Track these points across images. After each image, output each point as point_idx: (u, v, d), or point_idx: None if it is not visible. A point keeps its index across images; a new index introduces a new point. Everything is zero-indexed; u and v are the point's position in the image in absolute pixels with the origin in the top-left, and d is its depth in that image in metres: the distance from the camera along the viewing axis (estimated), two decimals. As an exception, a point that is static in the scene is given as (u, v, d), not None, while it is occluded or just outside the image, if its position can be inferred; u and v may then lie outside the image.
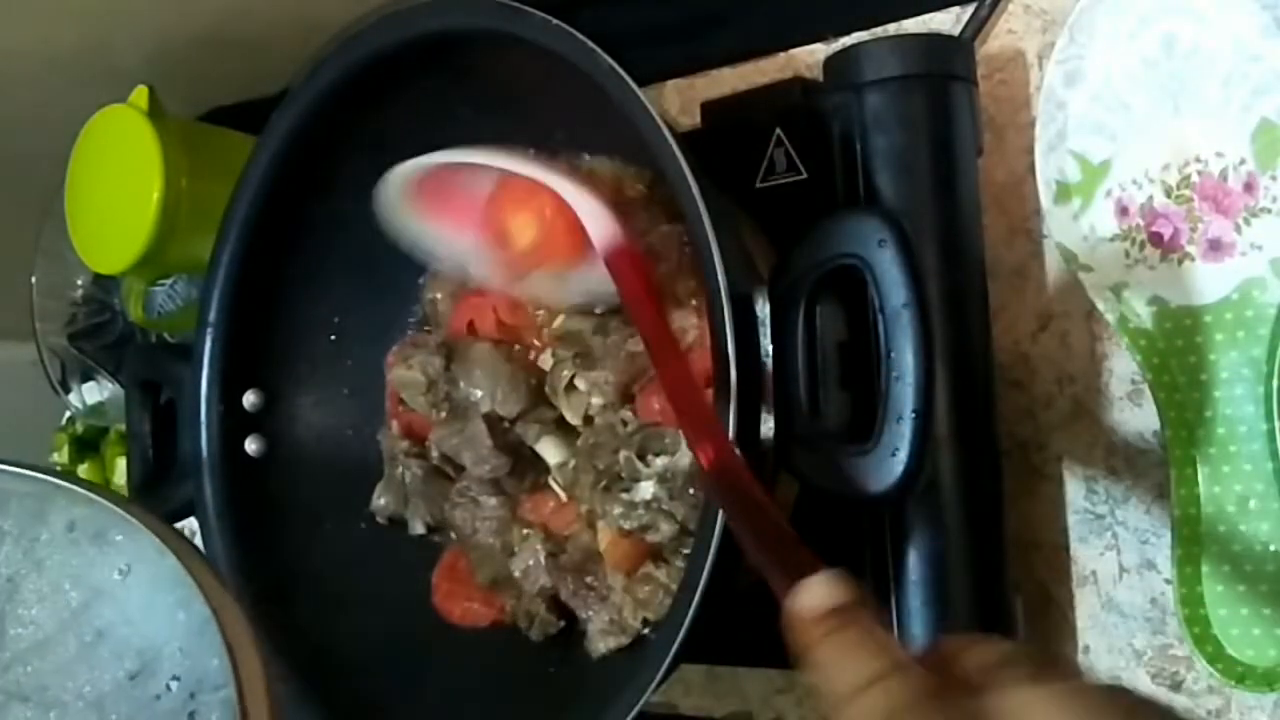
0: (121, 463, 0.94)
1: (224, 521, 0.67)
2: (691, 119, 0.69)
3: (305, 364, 0.71)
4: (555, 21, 0.54)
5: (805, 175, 0.60)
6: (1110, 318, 0.58)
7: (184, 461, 0.69)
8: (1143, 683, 0.59)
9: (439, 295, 0.71)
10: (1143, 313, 0.58)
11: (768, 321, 0.53)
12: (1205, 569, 0.56)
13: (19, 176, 0.84)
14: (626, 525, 0.59)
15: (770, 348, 0.53)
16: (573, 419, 0.64)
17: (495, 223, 0.58)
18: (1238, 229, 0.56)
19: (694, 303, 0.59)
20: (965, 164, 0.58)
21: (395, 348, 0.71)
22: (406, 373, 0.68)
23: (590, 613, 0.63)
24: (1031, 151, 0.60)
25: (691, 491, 0.58)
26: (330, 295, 0.71)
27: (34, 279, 0.91)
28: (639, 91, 0.52)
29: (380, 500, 0.70)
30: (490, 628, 0.67)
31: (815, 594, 0.38)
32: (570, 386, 0.63)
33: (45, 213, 0.88)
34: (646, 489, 0.59)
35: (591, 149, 0.64)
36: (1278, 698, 0.56)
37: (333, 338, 0.72)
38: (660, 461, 0.58)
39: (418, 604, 0.69)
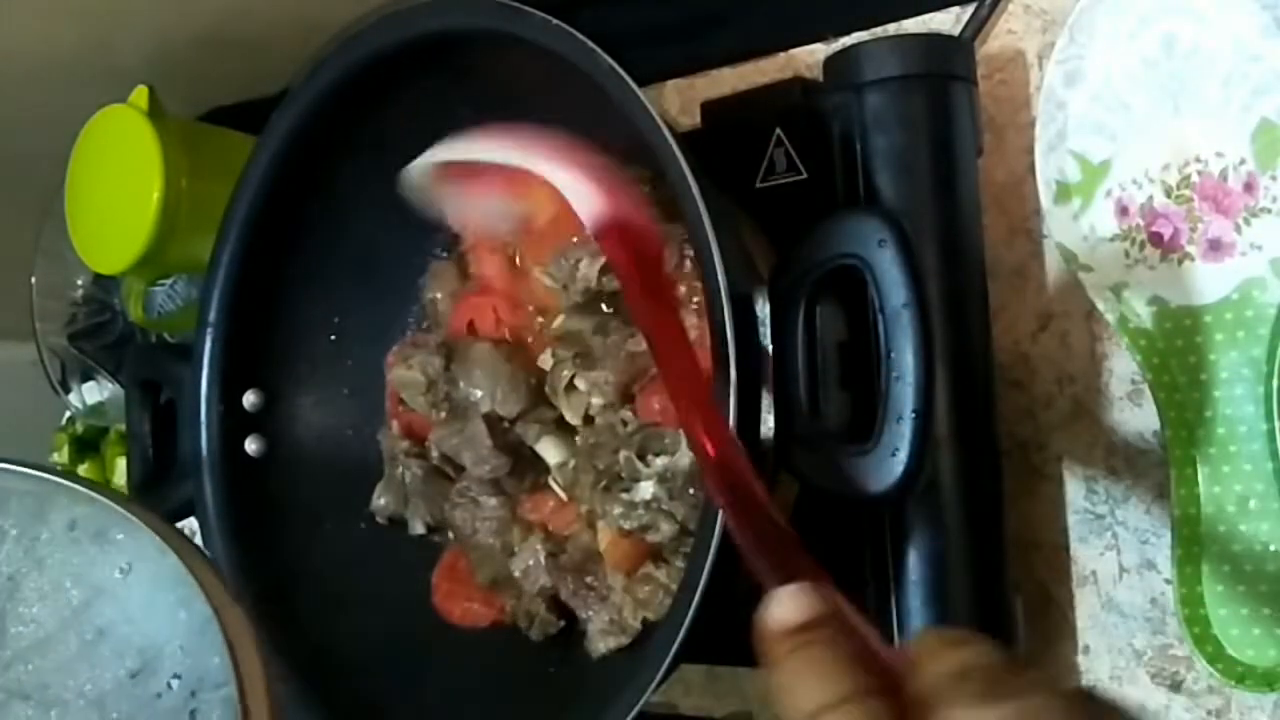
0: (121, 463, 0.94)
1: (224, 521, 0.67)
2: (691, 119, 0.69)
3: (305, 364, 0.71)
4: (555, 21, 0.54)
5: (805, 175, 0.60)
6: (1110, 318, 0.58)
7: (184, 461, 0.69)
8: (1143, 683, 0.59)
9: (439, 295, 0.71)
10: (1143, 313, 0.58)
11: (768, 321, 0.53)
12: (1205, 569, 0.56)
13: (19, 176, 0.84)
14: (626, 525, 0.59)
15: (770, 348, 0.53)
16: (573, 419, 0.64)
17: (518, 196, 0.57)
18: (1238, 229, 0.56)
19: (694, 303, 0.59)
20: (965, 164, 0.58)
21: (395, 348, 0.71)
22: (406, 373, 0.68)
23: (590, 613, 0.63)
24: (1031, 151, 0.60)
25: (691, 491, 0.58)
26: (330, 295, 0.71)
27: (34, 279, 0.91)
28: (639, 91, 0.52)
29: (380, 500, 0.70)
30: (490, 628, 0.67)
31: (785, 606, 0.37)
32: (570, 386, 0.63)
33: (45, 213, 0.88)
34: (646, 489, 0.59)
35: (591, 149, 0.64)
36: (1278, 698, 0.56)
37: (333, 338, 0.72)
38: (660, 461, 0.59)
39: (418, 604, 0.69)
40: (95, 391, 0.93)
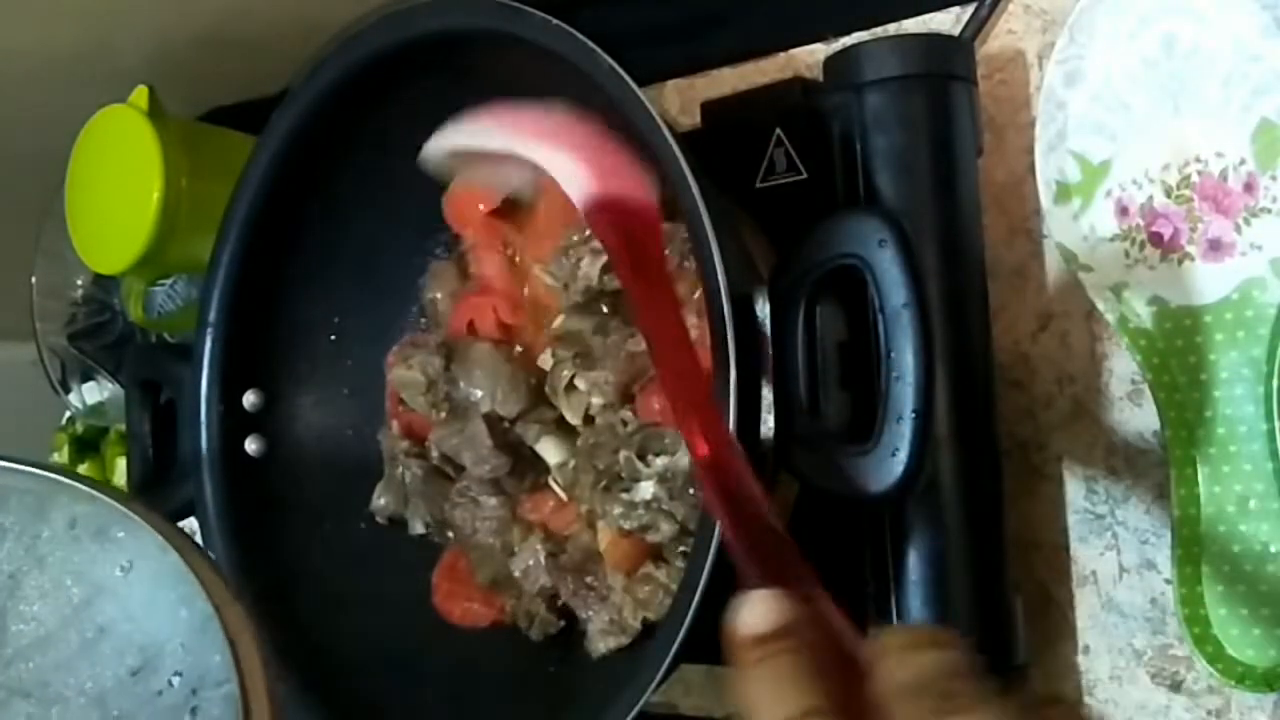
0: (121, 463, 0.94)
1: (224, 521, 0.67)
2: (691, 119, 0.69)
3: (305, 364, 0.71)
4: (555, 21, 0.54)
5: (805, 175, 0.60)
6: (1110, 318, 0.58)
7: (184, 461, 0.69)
8: (1143, 683, 0.59)
9: (439, 295, 0.71)
10: (1143, 313, 0.58)
11: (768, 321, 0.53)
12: (1205, 569, 0.56)
13: (19, 176, 0.84)
14: (626, 525, 0.59)
15: (770, 348, 0.53)
16: (573, 419, 0.64)
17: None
18: (1238, 229, 0.56)
19: (694, 302, 0.59)
20: (965, 164, 0.58)
21: (395, 348, 0.71)
22: (406, 373, 0.68)
23: (590, 613, 0.63)
24: (1031, 151, 0.60)
25: (691, 491, 0.58)
26: (330, 295, 0.71)
27: (34, 279, 0.91)
28: (639, 91, 0.52)
29: (380, 500, 0.70)
30: (490, 628, 0.67)
31: (754, 612, 0.37)
32: (570, 386, 0.63)
33: (45, 213, 0.88)
34: (646, 489, 0.59)
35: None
36: (1278, 698, 0.56)
37: (333, 338, 0.72)
38: (660, 461, 0.59)
39: (418, 604, 0.69)
40: (95, 391, 0.93)
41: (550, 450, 0.64)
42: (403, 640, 0.67)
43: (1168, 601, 0.58)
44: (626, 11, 0.73)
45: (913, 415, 0.50)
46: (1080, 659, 0.61)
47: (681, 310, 0.47)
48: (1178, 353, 0.57)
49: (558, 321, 0.65)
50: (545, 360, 0.65)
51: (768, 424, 0.52)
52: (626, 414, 0.61)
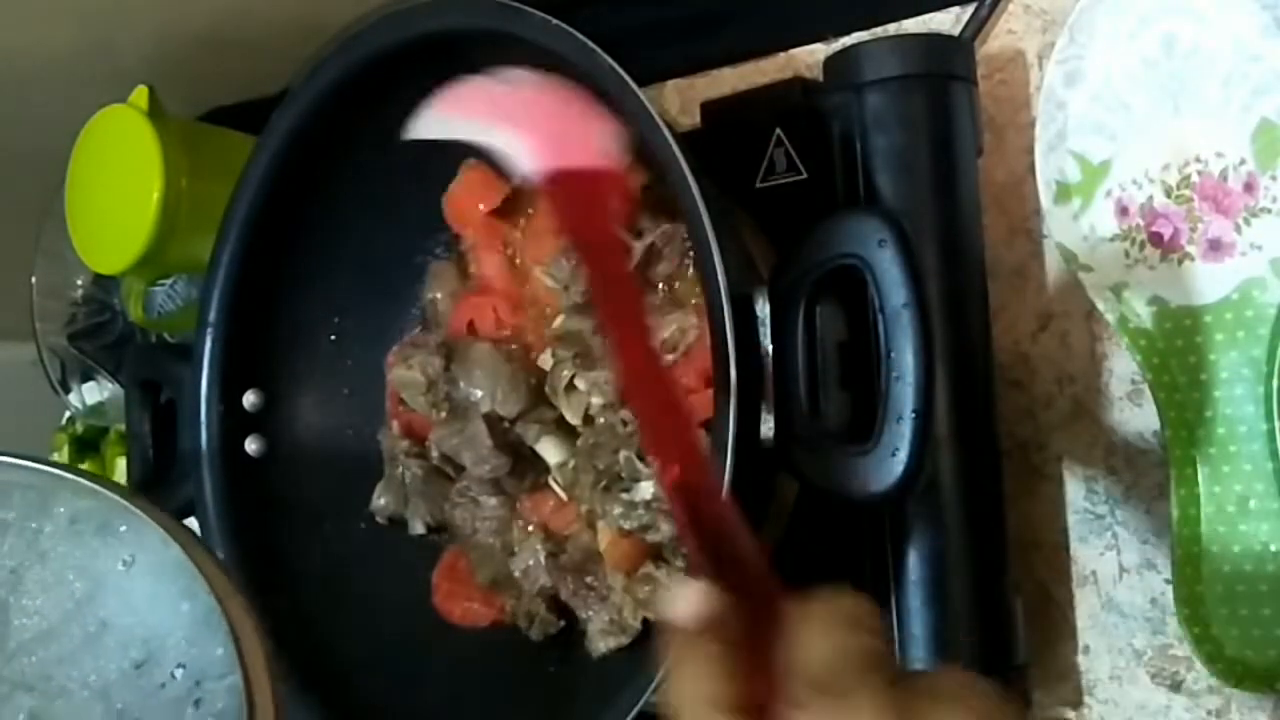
0: (121, 463, 0.94)
1: (224, 521, 0.67)
2: (691, 119, 0.69)
3: (305, 364, 0.71)
4: (555, 21, 0.54)
5: (805, 175, 0.60)
6: (1110, 318, 0.59)
7: (184, 461, 0.69)
8: (1143, 683, 0.59)
9: (439, 295, 0.71)
10: (1143, 313, 0.58)
11: (768, 321, 0.53)
12: (1205, 569, 0.56)
13: (19, 176, 0.84)
14: (626, 525, 0.59)
15: (770, 348, 0.53)
16: (573, 419, 0.64)
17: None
18: (1238, 229, 0.56)
19: (694, 302, 0.59)
20: (965, 164, 0.58)
21: (395, 348, 0.71)
22: (406, 373, 0.68)
23: (590, 613, 0.63)
24: (1031, 151, 0.61)
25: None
26: (330, 295, 0.71)
27: (34, 279, 0.91)
28: (639, 91, 0.52)
29: (380, 500, 0.70)
30: (490, 628, 0.67)
31: (687, 601, 0.37)
32: (570, 386, 0.63)
33: (45, 213, 0.88)
34: (646, 489, 0.59)
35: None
36: (1278, 698, 0.56)
37: (333, 338, 0.72)
38: (660, 461, 0.58)
39: (418, 604, 0.69)
40: (95, 391, 0.93)
41: (550, 450, 0.64)
42: (403, 640, 0.67)
43: (1168, 601, 0.58)
44: (626, 11, 0.73)
45: (913, 415, 0.50)
46: (1080, 659, 0.61)
47: (647, 312, 0.46)
48: (1178, 353, 0.57)
49: (558, 321, 0.65)
50: (545, 360, 0.65)
51: (768, 424, 0.52)
52: (626, 414, 0.61)
